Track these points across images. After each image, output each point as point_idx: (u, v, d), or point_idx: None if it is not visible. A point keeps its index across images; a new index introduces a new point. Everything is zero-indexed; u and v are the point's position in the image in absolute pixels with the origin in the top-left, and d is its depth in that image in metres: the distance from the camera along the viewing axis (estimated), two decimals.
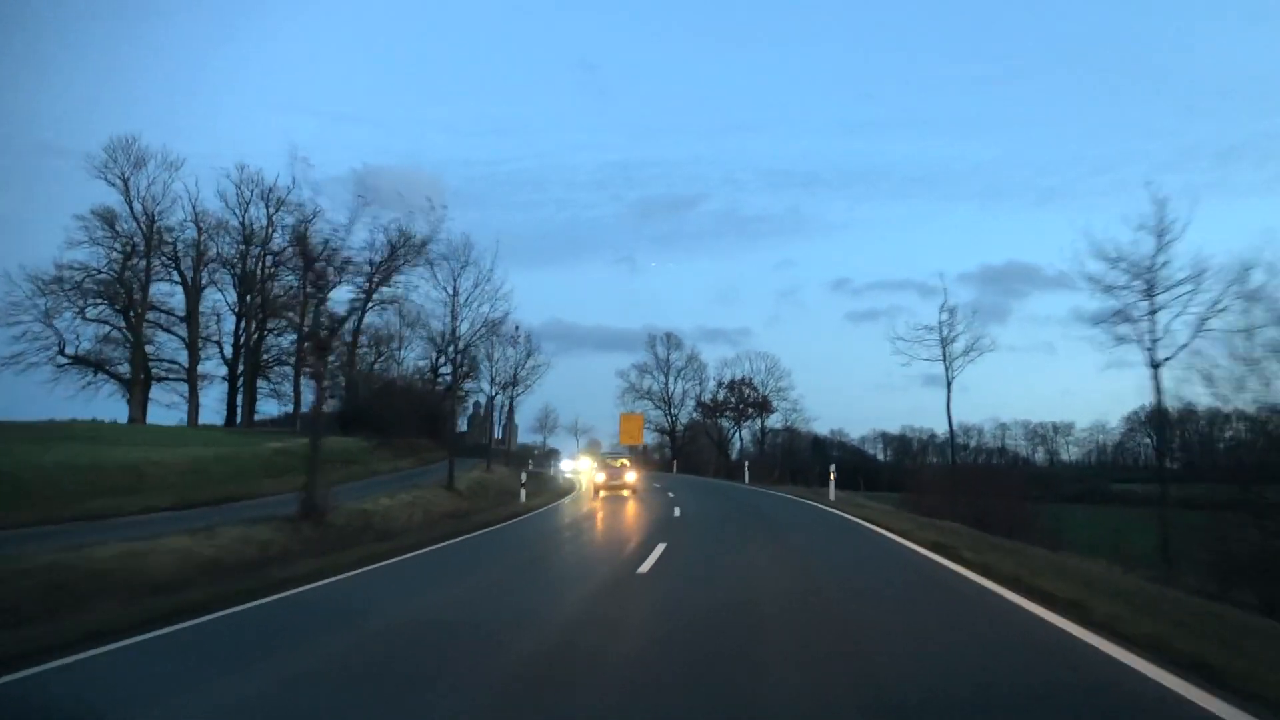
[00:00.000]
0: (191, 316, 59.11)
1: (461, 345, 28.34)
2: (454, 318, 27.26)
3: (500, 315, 29.83)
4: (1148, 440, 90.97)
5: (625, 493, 29.19)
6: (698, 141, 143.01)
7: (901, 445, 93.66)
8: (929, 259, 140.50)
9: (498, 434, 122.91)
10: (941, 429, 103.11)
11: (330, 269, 16.44)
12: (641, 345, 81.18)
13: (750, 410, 72.50)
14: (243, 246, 60.51)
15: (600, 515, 21.26)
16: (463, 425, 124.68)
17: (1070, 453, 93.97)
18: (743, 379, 72.58)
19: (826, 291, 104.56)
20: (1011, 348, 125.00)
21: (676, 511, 21.84)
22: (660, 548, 12.77)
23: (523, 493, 26.36)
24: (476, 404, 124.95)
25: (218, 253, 60.60)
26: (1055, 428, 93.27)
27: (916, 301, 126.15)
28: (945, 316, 25.28)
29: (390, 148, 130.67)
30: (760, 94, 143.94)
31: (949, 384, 24.91)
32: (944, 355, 25.11)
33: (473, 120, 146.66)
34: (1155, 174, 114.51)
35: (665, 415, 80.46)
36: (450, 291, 28.22)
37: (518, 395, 50.66)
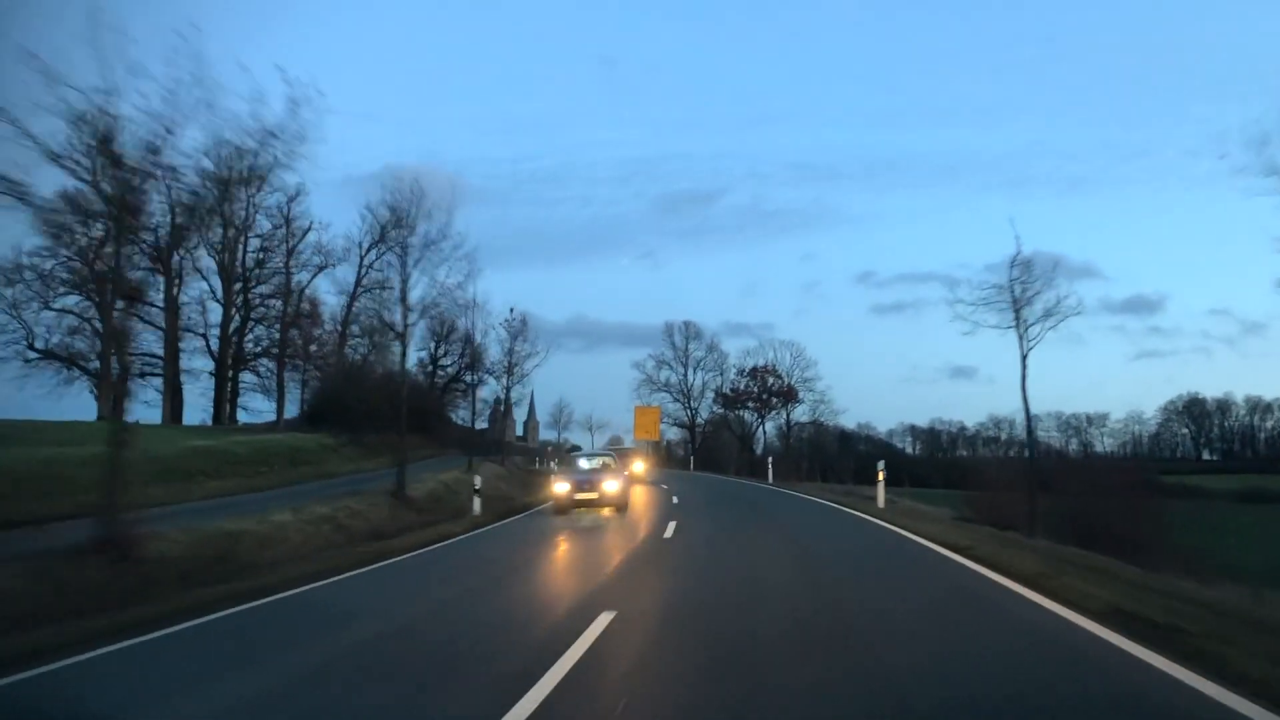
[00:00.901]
0: (171, 306, 54.00)
1: (415, 317, 22.82)
2: (403, 281, 21.83)
3: (460, 279, 24.43)
4: (1185, 430, 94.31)
5: (605, 511, 20.24)
6: (720, 135, 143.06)
7: (931, 439, 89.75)
8: (954, 250, 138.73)
9: (519, 432, 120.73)
10: (972, 421, 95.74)
11: (149, 174, 10.97)
12: (660, 338, 75.73)
13: (774, 400, 65.77)
14: (229, 230, 55.12)
15: (553, 541, 15.64)
16: (483, 422, 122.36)
17: (1105, 444, 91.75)
18: (766, 366, 65.69)
19: (851, 284, 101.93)
20: (1034, 338, 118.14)
21: (669, 531, 16.28)
22: (602, 622, 6.89)
23: (476, 503, 20.72)
24: (497, 399, 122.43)
25: (199, 238, 55.38)
26: (1089, 418, 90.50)
27: (941, 294, 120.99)
28: (1017, 274, 19.30)
29: (412, 147, 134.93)
30: (782, 86, 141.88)
31: (1023, 357, 18.96)
32: (1016, 320, 19.15)
33: (494, 118, 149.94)
34: (1185, 161, 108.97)
35: (684, 408, 74.81)
36: (399, 252, 22.85)
37: (513, 384, 45.72)
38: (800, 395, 65.19)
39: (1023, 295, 19.03)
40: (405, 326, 22.23)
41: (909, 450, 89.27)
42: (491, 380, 56.15)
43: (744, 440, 69.57)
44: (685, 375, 75.07)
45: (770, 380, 65.55)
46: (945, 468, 73.66)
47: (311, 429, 37.13)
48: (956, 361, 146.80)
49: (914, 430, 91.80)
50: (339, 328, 59.41)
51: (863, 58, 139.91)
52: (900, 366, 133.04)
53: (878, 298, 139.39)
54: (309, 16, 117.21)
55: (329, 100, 14.75)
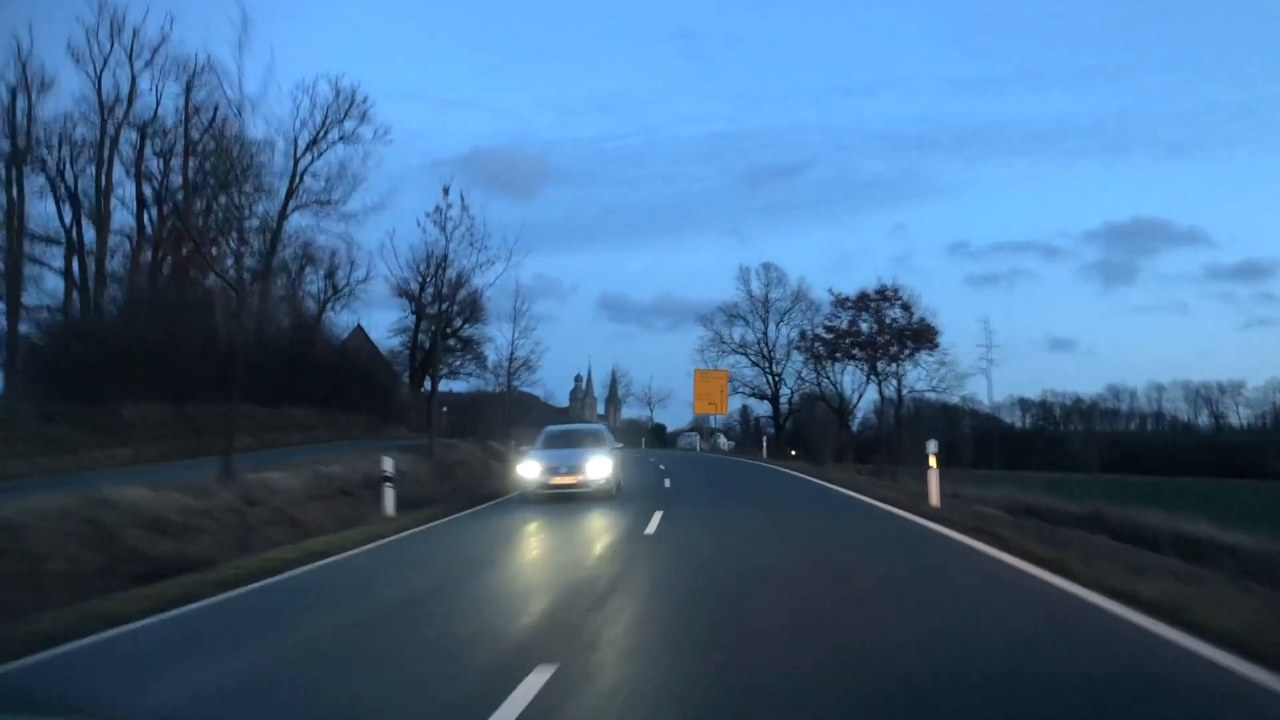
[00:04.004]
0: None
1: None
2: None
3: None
4: None
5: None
6: (804, 107, 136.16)
7: (1044, 412, 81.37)
8: (1050, 218, 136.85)
9: (600, 409, 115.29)
10: (1088, 392, 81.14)
11: None
12: (734, 285, 60.17)
13: (898, 344, 42.61)
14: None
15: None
16: (563, 400, 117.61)
17: (1241, 416, 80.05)
18: (882, 289, 43.11)
19: (944, 255, 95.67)
20: (1139, 308, 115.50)
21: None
22: None
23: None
24: (578, 377, 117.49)
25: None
26: (1221, 387, 78.54)
27: (1039, 263, 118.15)
28: None
29: (499, 130, 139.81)
30: (868, 55, 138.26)
31: None
32: None
33: (578, 99, 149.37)
34: None
35: (765, 375, 59.10)
36: None
37: (518, 336, 38.10)
38: (937, 337, 43.46)
39: None
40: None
41: (1019, 425, 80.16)
42: (499, 337, 46.63)
43: (842, 414, 55.80)
44: (765, 332, 58.41)
45: (887, 313, 42.87)
46: (1052, 446, 64.14)
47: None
48: (1056, 333, 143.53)
49: (1023, 403, 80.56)
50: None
51: (951, 23, 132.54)
52: (996, 338, 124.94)
53: (971, 268, 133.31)
54: (398, 7, 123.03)
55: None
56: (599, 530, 11.90)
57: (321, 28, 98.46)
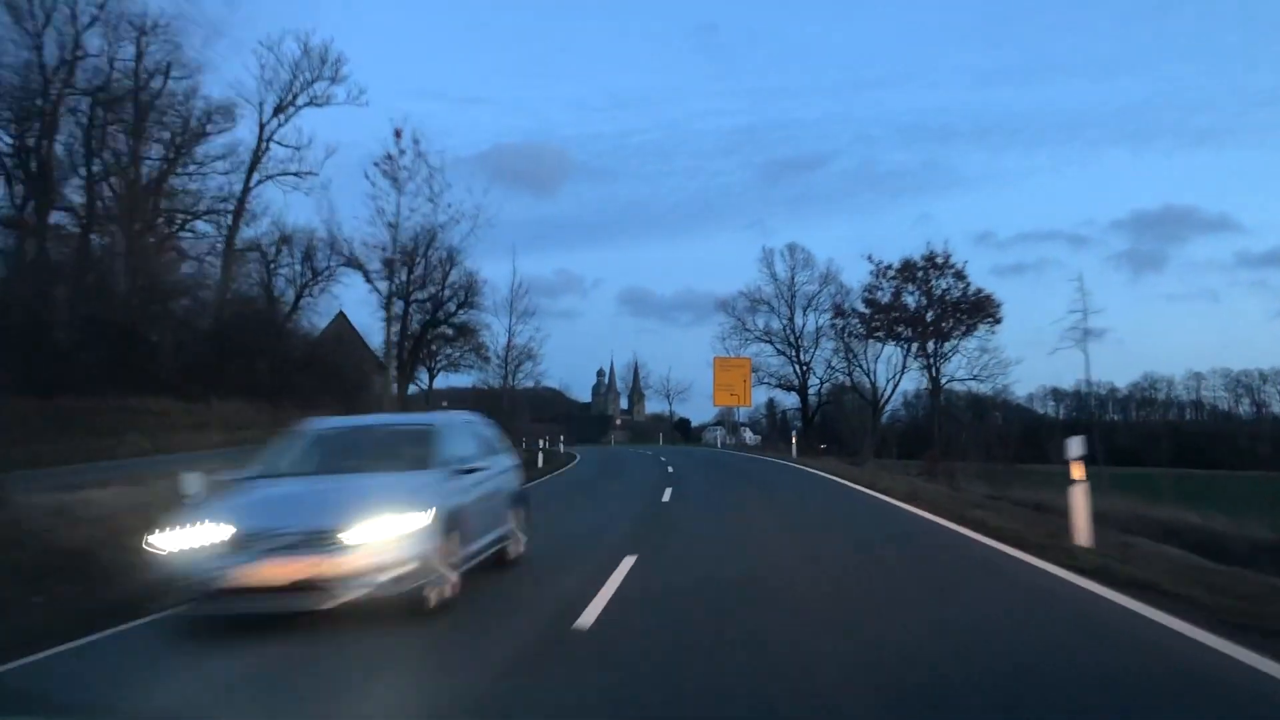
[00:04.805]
0: None
1: None
2: None
3: None
4: None
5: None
6: (825, 100, 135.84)
7: (1078, 403, 76.89)
8: (1076, 208, 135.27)
9: (624, 404, 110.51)
10: (1123, 382, 69.02)
11: None
12: (757, 268, 55.21)
13: (949, 321, 37.36)
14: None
15: None
16: (586, 395, 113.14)
17: None
18: (931, 256, 37.44)
19: (969, 245, 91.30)
20: (1170, 296, 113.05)
21: None
22: None
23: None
24: (600, 371, 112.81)
25: None
26: (1263, 375, 73.97)
27: (1066, 252, 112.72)
28: None
29: (520, 127, 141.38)
30: (889, 47, 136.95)
31: None
32: None
33: (598, 94, 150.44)
34: None
35: (792, 365, 53.71)
36: None
37: (515, 322, 33.43)
38: (999, 311, 36.81)
39: None
40: None
41: (1052, 416, 76.05)
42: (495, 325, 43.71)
43: (875, 405, 49.86)
44: (792, 318, 53.03)
45: (936, 280, 36.14)
46: (1101, 438, 57.31)
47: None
48: (1087, 323, 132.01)
49: (1056, 393, 75.84)
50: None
51: (972, 13, 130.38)
52: (1024, 329, 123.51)
53: (997, 259, 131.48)
54: (417, 6, 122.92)
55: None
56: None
57: (340, 28, 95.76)
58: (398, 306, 49.34)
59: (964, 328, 37.27)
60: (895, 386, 49.14)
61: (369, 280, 27.97)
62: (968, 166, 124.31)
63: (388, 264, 19.40)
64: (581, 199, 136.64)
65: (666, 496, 16.19)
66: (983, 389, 46.31)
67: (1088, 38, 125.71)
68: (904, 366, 45.79)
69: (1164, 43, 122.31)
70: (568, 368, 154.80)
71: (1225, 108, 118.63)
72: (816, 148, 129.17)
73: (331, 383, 31.96)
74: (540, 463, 27.21)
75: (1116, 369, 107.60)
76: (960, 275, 36.96)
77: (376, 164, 18.91)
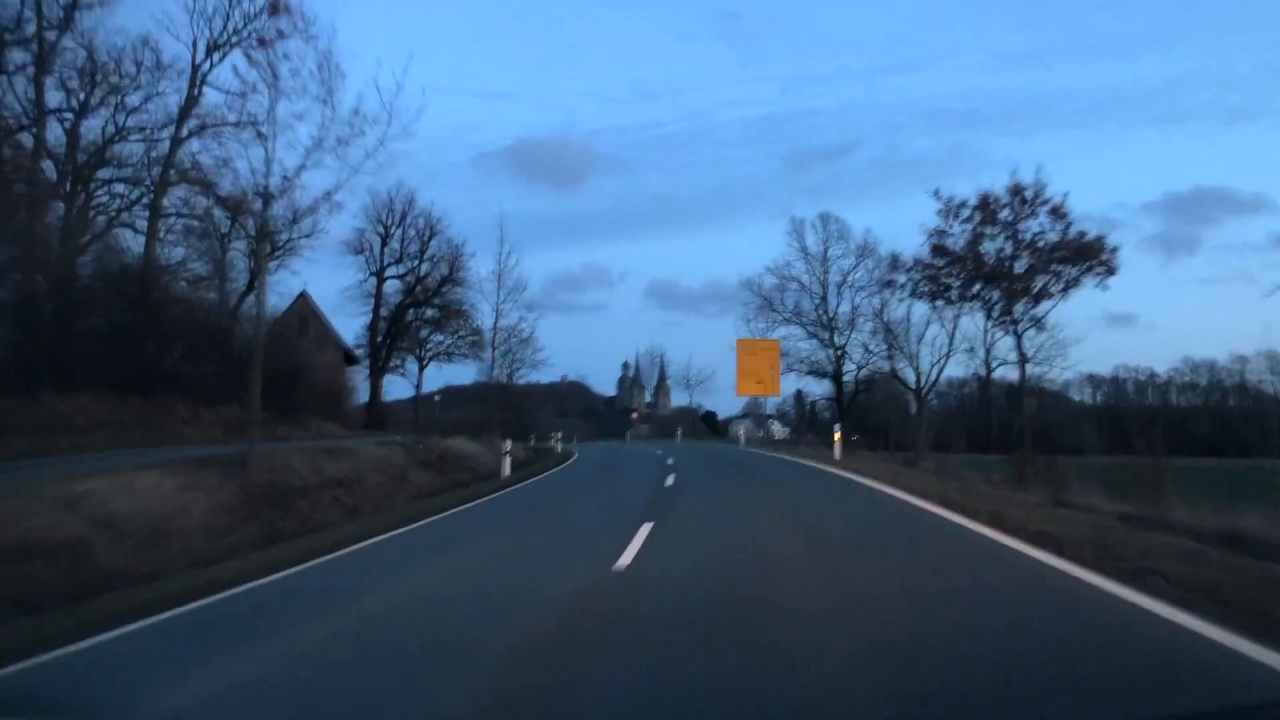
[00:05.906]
0: None
1: None
2: None
3: None
4: None
5: None
6: (849, 87, 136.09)
7: (1116, 389, 75.53)
8: (1107, 191, 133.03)
9: (648, 398, 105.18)
10: (1163, 367, 57.64)
11: None
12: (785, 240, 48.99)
13: (1055, 271, 28.62)
14: None
15: None
16: (612, 389, 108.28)
17: None
18: (1018, 187, 29.17)
19: None
20: (1204, 280, 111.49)
21: None
22: None
23: None
24: (625, 364, 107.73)
25: None
26: None
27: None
28: None
29: (543, 121, 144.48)
30: (913, 32, 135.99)
31: None
32: None
33: (622, 87, 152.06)
34: None
35: (826, 348, 46.88)
36: None
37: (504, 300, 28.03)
38: (1113, 258, 28.65)
39: None
40: None
41: (1090, 403, 72.47)
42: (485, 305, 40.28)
43: (919, 394, 42.77)
44: (825, 295, 45.95)
45: (1032, 225, 27.96)
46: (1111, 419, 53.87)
47: None
48: (1114, 309, 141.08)
49: (1093, 379, 71.09)
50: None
51: None
52: (1056, 315, 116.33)
53: None
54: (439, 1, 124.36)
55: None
56: None
57: (363, 25, 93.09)
58: (370, 285, 43.60)
59: (1067, 282, 28.49)
60: (941, 371, 42.29)
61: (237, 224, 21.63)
62: (995, 152, 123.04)
63: (262, 196, 13.34)
64: (606, 192, 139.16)
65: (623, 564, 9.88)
66: (1064, 374, 39.90)
67: (1115, 18, 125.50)
68: (988, 337, 37.39)
69: (1194, 21, 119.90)
70: (595, 361, 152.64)
71: (1258, 86, 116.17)
72: (841, 136, 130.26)
73: (239, 371, 25.65)
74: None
75: (1145, 353, 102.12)
76: (1058, 212, 28.18)
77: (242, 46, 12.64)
